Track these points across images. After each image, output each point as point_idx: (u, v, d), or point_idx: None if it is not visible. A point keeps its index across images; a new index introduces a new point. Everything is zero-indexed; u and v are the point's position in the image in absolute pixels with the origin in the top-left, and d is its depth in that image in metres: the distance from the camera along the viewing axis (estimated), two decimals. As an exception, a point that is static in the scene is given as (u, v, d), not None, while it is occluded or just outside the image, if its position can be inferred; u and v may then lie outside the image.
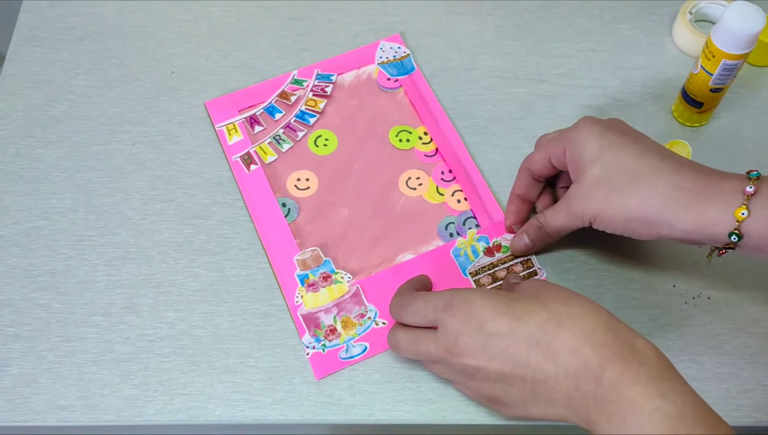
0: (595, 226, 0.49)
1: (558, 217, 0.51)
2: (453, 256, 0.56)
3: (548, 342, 0.42)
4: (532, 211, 0.57)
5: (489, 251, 0.56)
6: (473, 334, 0.43)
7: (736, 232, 0.44)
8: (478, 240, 0.56)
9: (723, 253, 0.47)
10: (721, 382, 0.52)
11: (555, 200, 0.56)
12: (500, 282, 0.55)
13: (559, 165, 0.52)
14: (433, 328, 0.46)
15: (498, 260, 0.55)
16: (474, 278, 0.55)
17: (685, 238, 0.46)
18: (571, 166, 0.50)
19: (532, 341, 0.42)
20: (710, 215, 0.45)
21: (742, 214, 0.44)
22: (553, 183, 0.56)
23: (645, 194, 0.46)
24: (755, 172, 0.45)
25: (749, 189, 0.44)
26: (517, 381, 0.43)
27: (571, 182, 0.51)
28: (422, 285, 0.52)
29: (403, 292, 0.49)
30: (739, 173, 0.46)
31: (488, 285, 0.55)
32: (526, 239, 0.54)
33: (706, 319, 0.54)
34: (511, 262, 0.55)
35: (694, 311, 0.54)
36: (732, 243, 0.45)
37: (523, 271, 0.55)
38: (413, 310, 0.47)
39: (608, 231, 0.49)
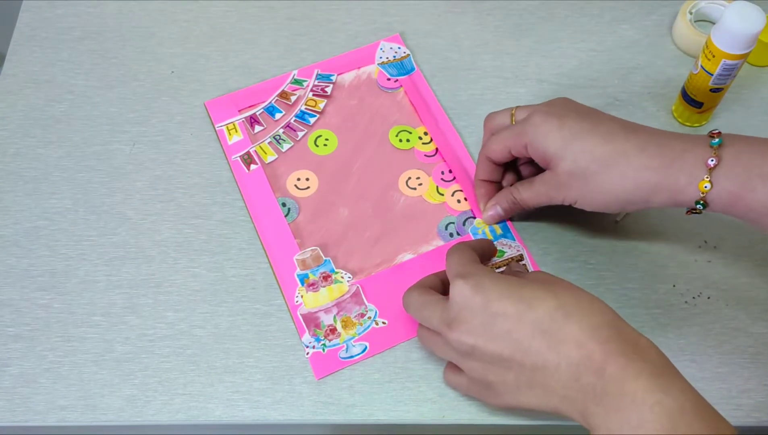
0: (575, 207, 0.51)
1: (537, 197, 0.53)
2: (471, 234, 0.56)
3: (554, 331, 0.42)
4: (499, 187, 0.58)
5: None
6: (477, 312, 0.43)
7: (701, 201, 0.47)
8: None
9: (690, 214, 0.49)
10: (721, 382, 0.52)
11: (519, 176, 0.57)
12: None
13: (519, 155, 0.53)
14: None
15: (493, 265, 0.55)
16: None
17: (661, 207, 0.49)
18: (538, 158, 0.51)
19: (537, 328, 0.42)
20: (678, 188, 0.47)
21: (706, 187, 0.46)
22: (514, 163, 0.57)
23: (618, 181, 0.48)
24: (717, 140, 0.47)
25: (711, 162, 0.46)
26: (514, 366, 0.43)
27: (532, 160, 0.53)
28: (489, 249, 0.52)
29: (459, 246, 0.49)
30: (702, 136, 0.48)
31: None
32: (499, 210, 0.56)
33: (706, 319, 0.54)
34: (504, 268, 0.55)
35: (694, 311, 0.54)
36: (699, 209, 0.47)
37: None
38: (450, 260, 0.47)
39: (587, 210, 0.51)
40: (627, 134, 0.49)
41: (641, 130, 0.49)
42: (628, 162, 0.48)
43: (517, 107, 0.54)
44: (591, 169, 0.48)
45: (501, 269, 0.55)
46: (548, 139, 0.49)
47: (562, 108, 0.51)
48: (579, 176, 0.49)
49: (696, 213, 0.48)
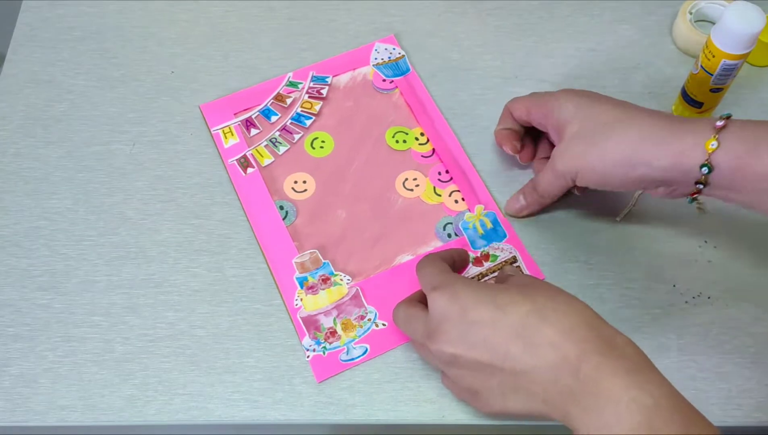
0: (578, 183, 0.51)
1: (545, 177, 0.53)
2: (462, 228, 0.56)
3: (530, 335, 0.42)
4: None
5: (477, 261, 0.55)
6: (455, 321, 0.44)
7: (707, 163, 0.46)
8: (486, 215, 0.57)
9: (694, 196, 0.48)
10: (721, 382, 0.52)
11: (533, 156, 0.59)
12: None
13: (533, 122, 0.55)
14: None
15: (487, 269, 0.55)
16: None
17: (662, 178, 0.48)
18: (553, 131, 0.53)
19: (512, 333, 0.42)
20: (683, 148, 0.46)
21: (712, 145, 0.45)
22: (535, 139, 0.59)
23: (621, 137, 0.48)
24: (725, 113, 0.47)
25: (719, 123, 0.46)
26: (496, 372, 0.43)
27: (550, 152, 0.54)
28: (460, 259, 0.53)
29: (429, 257, 0.50)
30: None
31: None
32: (522, 200, 0.56)
33: (706, 319, 0.54)
34: (497, 272, 0.55)
35: (694, 311, 0.54)
36: (703, 177, 0.46)
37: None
38: (420, 277, 0.48)
39: (591, 185, 0.51)
40: (639, 107, 0.50)
41: (653, 110, 0.50)
42: (633, 121, 0.48)
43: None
44: (595, 130, 0.49)
45: (495, 274, 0.55)
46: (563, 107, 0.51)
47: (585, 91, 0.53)
48: (582, 138, 0.49)
49: (700, 186, 0.47)
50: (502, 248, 0.56)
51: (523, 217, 0.58)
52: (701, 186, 0.47)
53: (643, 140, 0.47)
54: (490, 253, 0.56)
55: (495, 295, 0.43)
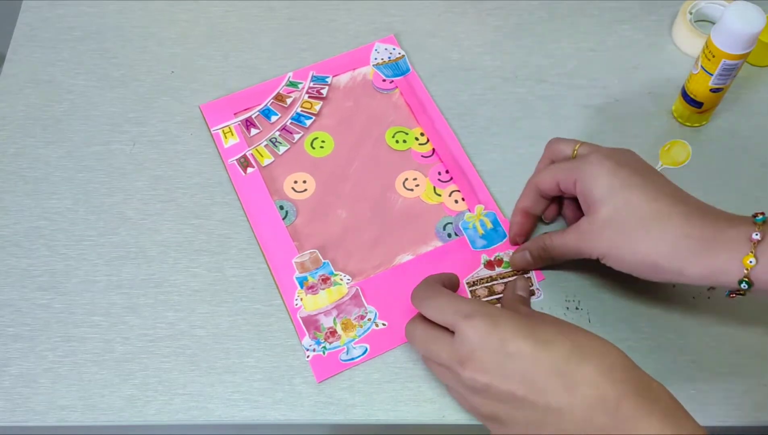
0: (602, 262, 0.49)
1: (566, 246, 0.51)
2: (462, 228, 0.56)
3: (570, 372, 0.41)
4: (537, 223, 0.57)
5: (489, 265, 0.55)
6: (492, 351, 0.43)
7: (746, 279, 0.44)
8: (486, 215, 0.57)
9: (733, 296, 0.47)
10: (721, 382, 0.52)
11: (559, 212, 0.57)
12: (498, 295, 0.54)
13: (566, 192, 0.52)
14: (449, 330, 0.45)
15: (497, 275, 0.55)
16: (471, 289, 0.54)
17: (695, 284, 0.46)
18: (581, 199, 0.50)
19: (553, 369, 0.41)
20: (719, 264, 0.45)
21: (750, 262, 0.44)
22: (560, 197, 0.56)
23: (654, 242, 0.46)
24: (761, 217, 0.45)
25: (755, 236, 0.44)
26: (527, 406, 0.42)
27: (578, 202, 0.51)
28: (450, 283, 0.51)
29: (430, 284, 0.48)
30: (746, 216, 0.46)
31: (484, 297, 0.54)
32: (528, 256, 0.54)
33: (707, 319, 0.54)
34: (510, 278, 0.55)
35: (694, 311, 0.54)
36: (743, 290, 0.45)
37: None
38: (435, 306, 0.46)
39: (616, 268, 0.49)
40: (675, 200, 0.47)
41: (689, 199, 0.48)
42: (668, 225, 0.46)
43: (582, 143, 0.53)
44: (628, 223, 0.47)
45: (504, 280, 0.54)
46: (597, 181, 0.48)
47: (623, 157, 0.50)
48: (615, 227, 0.47)
49: (740, 294, 0.46)
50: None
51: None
52: (740, 295, 0.46)
53: (676, 250, 0.46)
54: (504, 258, 0.55)
55: (534, 329, 0.43)
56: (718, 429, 0.50)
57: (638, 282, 0.55)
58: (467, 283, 0.55)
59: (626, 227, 0.47)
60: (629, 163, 0.49)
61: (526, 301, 0.52)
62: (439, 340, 0.45)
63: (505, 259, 0.55)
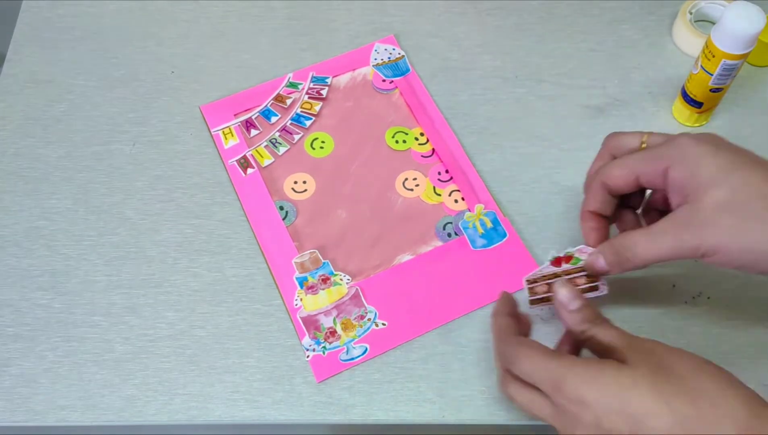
0: (705, 260, 0.42)
1: (657, 247, 0.43)
2: (462, 228, 0.56)
3: None
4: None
5: (556, 262, 0.50)
6: (588, 426, 0.39)
7: None
8: (486, 214, 0.57)
9: None
10: (721, 383, 0.51)
11: (637, 222, 0.50)
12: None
13: (649, 185, 0.45)
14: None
15: (563, 271, 0.50)
16: (530, 286, 0.51)
17: None
18: (676, 189, 0.43)
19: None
20: None
21: None
22: (626, 203, 0.50)
23: None
24: None
25: None
26: None
27: (651, 204, 0.47)
28: (515, 311, 0.47)
29: (505, 339, 0.44)
30: None
31: (542, 293, 0.51)
32: (602, 262, 0.47)
33: (706, 319, 0.54)
34: (575, 275, 0.50)
35: (694, 311, 0.54)
36: None
37: (585, 283, 0.50)
38: (521, 371, 0.42)
39: (723, 266, 0.42)
40: None
41: None
42: None
43: (650, 133, 0.47)
44: (753, 204, 0.40)
45: (569, 276, 0.50)
46: (702, 162, 0.41)
47: (714, 138, 0.43)
48: (735, 211, 0.40)
49: None
50: (584, 251, 0.50)
51: None
52: None
53: None
54: (575, 254, 0.49)
55: (628, 400, 0.38)
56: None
57: (638, 282, 0.55)
58: (527, 281, 0.51)
59: (750, 210, 0.40)
60: (724, 143, 0.43)
61: (606, 323, 0.45)
62: (539, 405, 0.42)
63: (576, 255, 0.50)
